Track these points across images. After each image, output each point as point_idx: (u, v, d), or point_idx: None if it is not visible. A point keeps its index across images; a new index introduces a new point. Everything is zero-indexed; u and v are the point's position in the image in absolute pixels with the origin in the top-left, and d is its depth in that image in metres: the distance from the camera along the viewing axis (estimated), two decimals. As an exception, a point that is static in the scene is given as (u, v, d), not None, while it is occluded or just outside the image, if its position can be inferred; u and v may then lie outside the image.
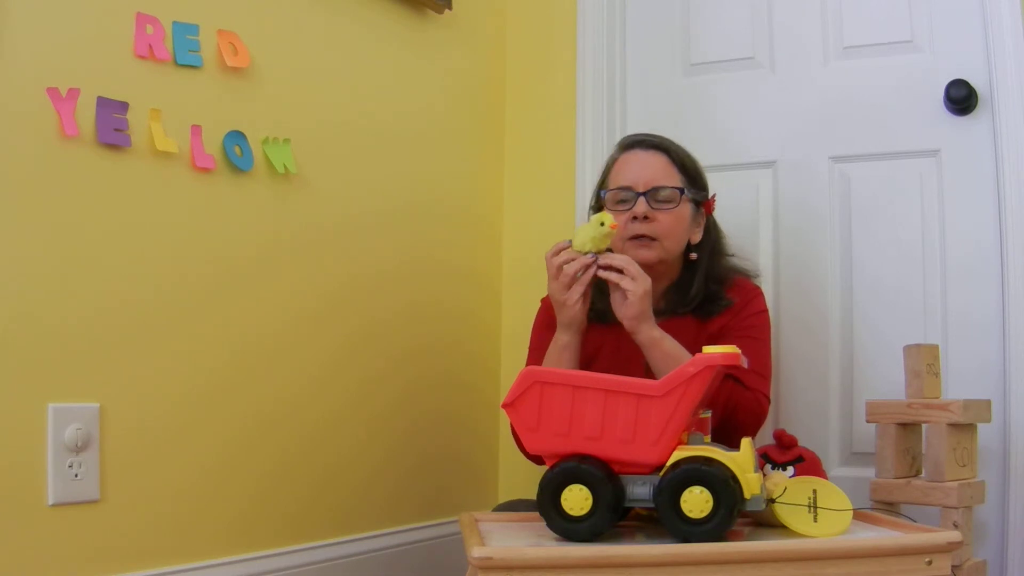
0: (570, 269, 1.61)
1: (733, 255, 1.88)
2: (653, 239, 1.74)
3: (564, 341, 1.67)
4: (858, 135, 2.12)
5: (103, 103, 1.48)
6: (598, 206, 1.83)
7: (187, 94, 1.62)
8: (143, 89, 1.55)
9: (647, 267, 1.74)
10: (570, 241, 1.63)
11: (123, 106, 1.51)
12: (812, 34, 2.19)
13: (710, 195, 1.83)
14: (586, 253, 1.61)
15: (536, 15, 2.43)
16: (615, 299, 1.64)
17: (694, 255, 1.80)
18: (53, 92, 1.42)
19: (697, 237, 1.81)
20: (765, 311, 1.83)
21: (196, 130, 1.63)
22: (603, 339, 1.76)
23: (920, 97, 2.06)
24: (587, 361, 1.74)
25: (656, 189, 1.75)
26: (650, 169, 1.77)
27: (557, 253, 1.63)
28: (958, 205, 2.02)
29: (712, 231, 1.84)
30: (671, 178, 1.77)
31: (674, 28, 2.33)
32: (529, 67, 2.42)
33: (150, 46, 1.56)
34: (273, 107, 1.78)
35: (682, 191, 1.76)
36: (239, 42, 1.70)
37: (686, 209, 1.77)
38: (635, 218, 1.73)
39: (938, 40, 2.06)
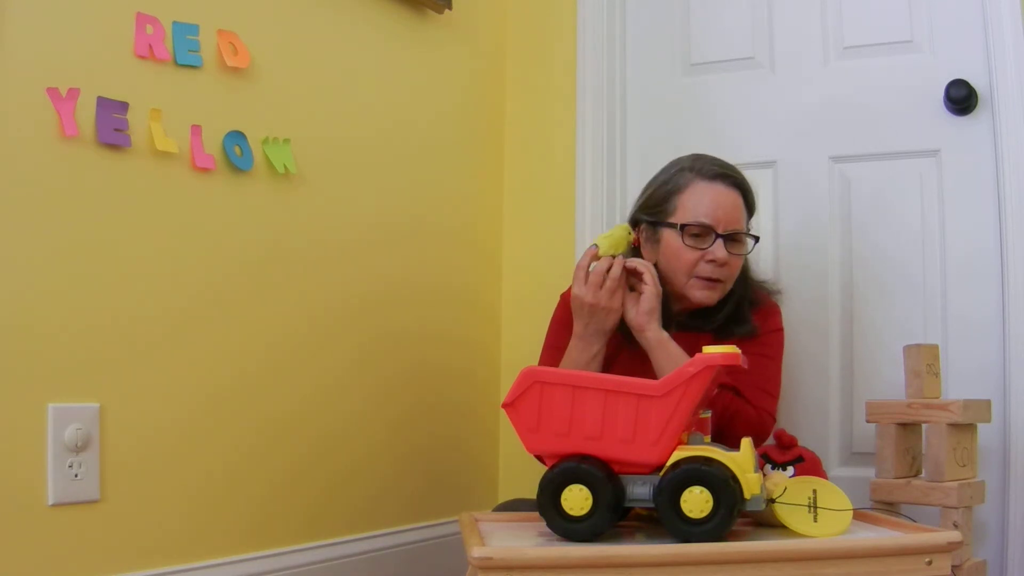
0: (616, 272, 1.63)
1: (756, 267, 1.89)
2: (721, 281, 1.73)
3: (595, 350, 1.67)
4: (858, 135, 2.12)
5: (103, 103, 1.48)
6: (647, 213, 1.76)
7: (187, 94, 1.62)
8: (143, 89, 1.55)
9: (705, 305, 1.76)
10: (596, 246, 1.65)
11: (123, 106, 1.51)
12: (812, 34, 2.19)
13: None
14: (614, 257, 1.66)
15: (536, 15, 2.43)
16: (628, 299, 1.67)
17: None
18: (53, 92, 1.42)
19: None
20: (781, 330, 1.84)
21: (196, 130, 1.63)
22: (623, 338, 1.74)
23: (920, 97, 2.06)
24: (608, 359, 1.73)
25: (734, 234, 1.72)
26: (732, 211, 1.72)
27: (592, 260, 1.64)
28: (958, 205, 2.02)
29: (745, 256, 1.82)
30: (744, 220, 1.75)
31: (674, 28, 2.33)
32: (529, 67, 2.42)
33: (150, 46, 1.56)
34: (273, 107, 1.78)
35: (757, 240, 1.75)
36: (239, 42, 1.70)
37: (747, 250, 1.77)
38: (710, 260, 1.70)
39: (938, 40, 2.06)
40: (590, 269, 1.66)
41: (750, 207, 1.78)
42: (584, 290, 1.64)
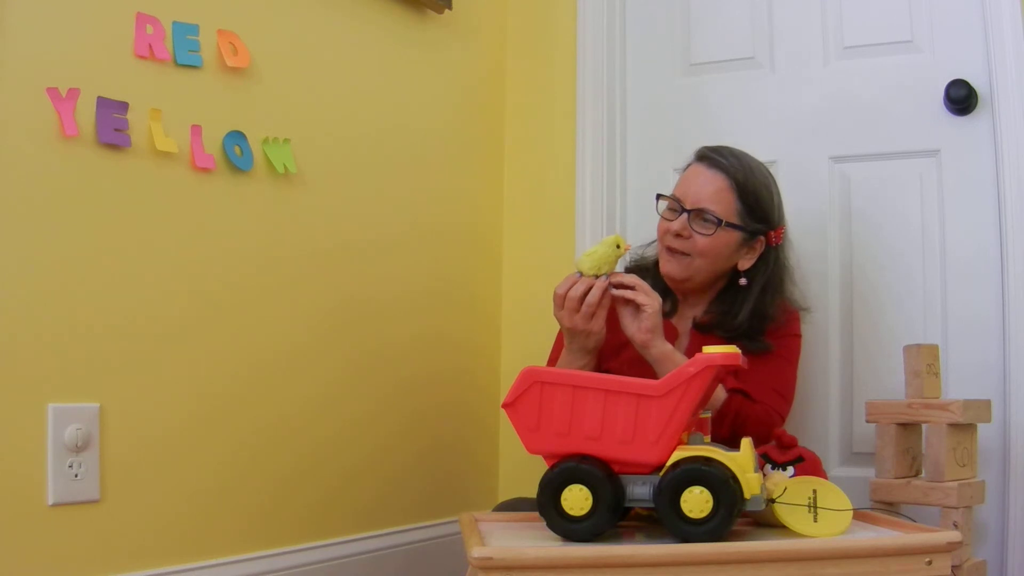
0: (593, 298, 1.60)
1: (795, 287, 1.87)
2: (685, 254, 1.75)
3: (580, 364, 1.67)
4: (858, 135, 2.12)
5: (103, 103, 1.48)
6: None
7: (187, 94, 1.62)
8: (143, 89, 1.55)
9: (677, 281, 1.78)
10: (580, 273, 1.62)
11: (123, 106, 1.51)
12: (812, 34, 2.19)
13: (777, 227, 1.81)
14: (597, 276, 1.61)
15: (536, 15, 2.43)
16: (625, 316, 1.64)
17: (744, 280, 1.79)
18: (53, 92, 1.42)
19: (746, 264, 1.79)
20: (799, 336, 1.84)
21: (196, 130, 1.63)
22: None
23: (920, 97, 2.06)
24: (619, 347, 1.73)
25: (700, 211, 1.74)
26: (704, 189, 1.75)
27: (571, 286, 1.61)
28: (958, 205, 2.02)
29: (771, 264, 1.81)
30: (722, 204, 1.74)
31: (674, 28, 2.33)
32: (529, 67, 2.42)
33: (150, 46, 1.56)
34: (273, 107, 1.78)
35: (720, 222, 1.73)
36: (239, 42, 1.70)
37: (728, 237, 1.75)
38: (669, 230, 1.76)
39: (938, 40, 2.06)
40: (571, 291, 1.62)
41: (745, 199, 1.76)
42: (561, 314, 1.63)
